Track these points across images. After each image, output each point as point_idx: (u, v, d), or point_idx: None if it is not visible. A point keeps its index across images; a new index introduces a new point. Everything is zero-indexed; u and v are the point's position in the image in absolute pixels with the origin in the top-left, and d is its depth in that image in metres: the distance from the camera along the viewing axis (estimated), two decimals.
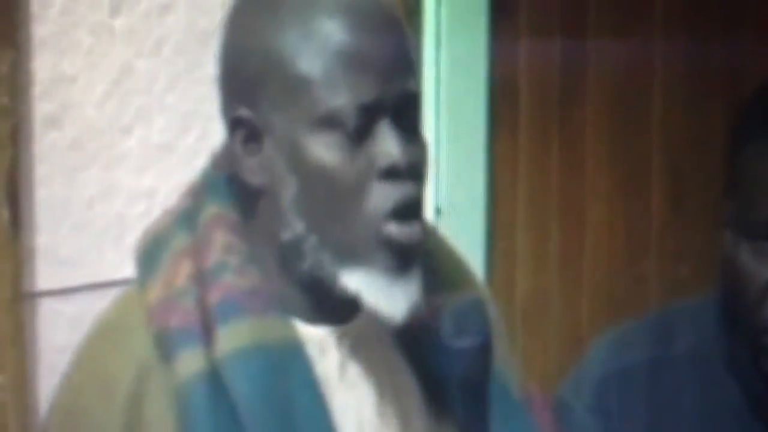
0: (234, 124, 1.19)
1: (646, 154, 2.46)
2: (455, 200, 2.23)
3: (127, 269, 1.28)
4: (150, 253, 1.22)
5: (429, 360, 1.26)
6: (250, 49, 1.18)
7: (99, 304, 1.29)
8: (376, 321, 1.20)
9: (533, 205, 2.37)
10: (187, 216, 1.23)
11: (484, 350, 1.27)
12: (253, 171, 1.18)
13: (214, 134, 1.83)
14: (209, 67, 1.85)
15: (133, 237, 1.74)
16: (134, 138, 1.78)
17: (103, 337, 1.22)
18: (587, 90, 2.40)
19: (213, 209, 1.21)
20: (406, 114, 1.17)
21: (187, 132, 1.82)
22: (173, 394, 1.14)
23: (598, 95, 2.41)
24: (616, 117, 2.43)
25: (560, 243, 2.40)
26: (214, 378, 1.14)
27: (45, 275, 1.70)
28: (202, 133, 1.83)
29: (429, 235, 1.30)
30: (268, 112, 1.16)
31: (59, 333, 1.69)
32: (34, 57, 1.68)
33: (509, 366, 1.33)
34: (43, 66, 1.69)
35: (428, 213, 2.17)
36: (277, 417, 1.14)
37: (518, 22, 2.34)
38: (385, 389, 1.24)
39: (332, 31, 1.15)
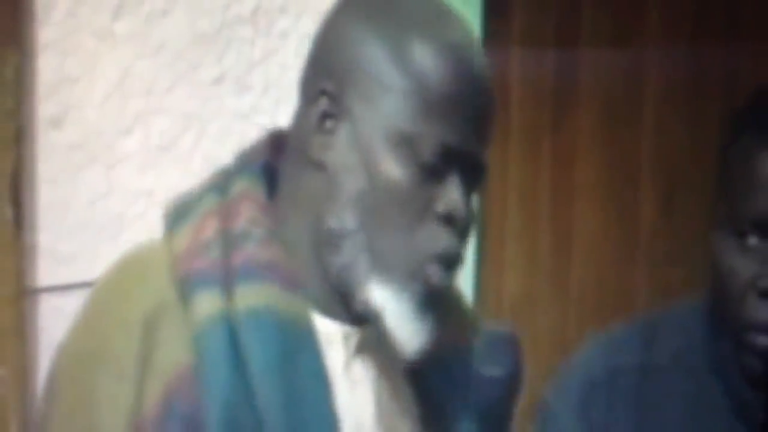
0: (318, 94, 1.21)
1: (637, 161, 2.47)
2: None
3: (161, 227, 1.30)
4: (179, 212, 1.25)
5: (435, 384, 1.28)
6: (357, 38, 1.20)
7: None
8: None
9: (523, 211, 2.38)
10: (217, 186, 1.26)
11: (509, 384, 1.29)
12: (320, 146, 1.20)
13: (211, 136, 1.88)
14: (208, 70, 1.89)
15: (131, 236, 1.78)
16: (134, 139, 1.79)
17: (126, 271, 1.24)
18: (579, 99, 2.41)
19: (244, 185, 1.24)
20: (470, 179, 1.20)
21: (185, 133, 1.84)
22: (190, 330, 1.16)
23: (589, 104, 2.42)
24: (608, 125, 2.44)
25: (549, 250, 2.41)
26: (230, 327, 1.16)
27: (46, 272, 1.71)
28: (200, 135, 1.85)
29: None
30: (352, 100, 1.19)
31: (59, 328, 1.63)
32: (38, 59, 1.69)
33: None
34: (46, 68, 1.70)
35: None
36: (284, 384, 1.16)
37: (511, 30, 2.35)
38: (384, 397, 1.26)
39: (442, 68, 1.17)
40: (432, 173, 1.17)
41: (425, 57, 1.18)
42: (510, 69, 2.35)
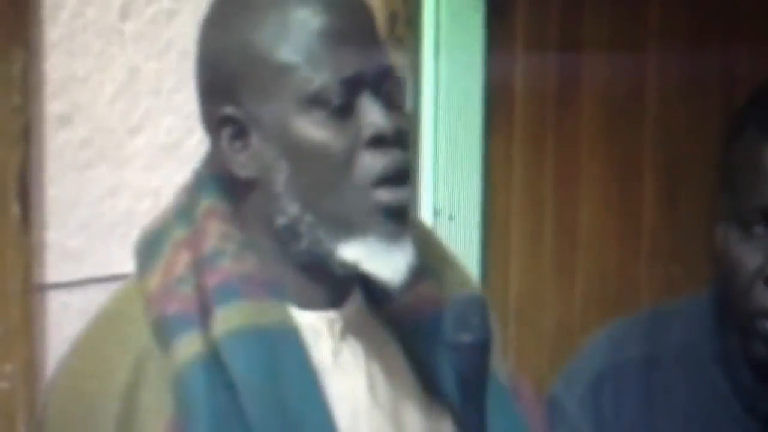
0: (220, 122, 1.20)
1: (639, 158, 2.49)
2: (452, 203, 2.27)
3: (133, 264, 1.31)
4: (149, 247, 1.24)
5: (423, 349, 1.28)
6: (228, 47, 1.20)
7: (105, 297, 1.32)
8: (367, 304, 1.23)
9: (527, 207, 2.40)
10: (183, 211, 1.25)
11: (484, 347, 1.25)
12: (242, 165, 1.20)
13: None
14: None
15: (138, 233, 1.79)
16: (142, 138, 1.81)
17: (102, 325, 1.24)
18: (581, 98, 2.43)
19: (207, 203, 1.24)
20: (384, 87, 1.20)
21: (192, 132, 1.84)
22: (171, 378, 1.15)
23: (591, 103, 2.44)
24: (611, 123, 2.46)
25: (554, 244, 2.42)
26: (213, 359, 1.16)
27: (54, 269, 1.73)
28: None
29: (425, 235, 1.33)
30: (253, 106, 1.18)
31: (67, 324, 1.71)
32: (46, 58, 1.71)
33: (499, 356, 1.34)
34: (54, 67, 1.72)
35: (427, 215, 2.21)
36: (274, 396, 1.16)
37: (514, 32, 2.37)
38: (378, 374, 1.25)
39: (307, 18, 1.18)
40: (346, 108, 1.18)
41: (298, 19, 1.18)
42: (514, 69, 2.37)
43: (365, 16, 1.23)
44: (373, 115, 1.18)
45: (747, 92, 1.56)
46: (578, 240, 2.45)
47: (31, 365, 1.70)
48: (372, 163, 1.18)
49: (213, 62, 1.22)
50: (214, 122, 1.21)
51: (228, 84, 1.20)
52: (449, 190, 2.26)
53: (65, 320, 1.73)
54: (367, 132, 1.18)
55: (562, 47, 2.41)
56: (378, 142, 1.18)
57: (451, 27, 2.28)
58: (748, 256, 1.45)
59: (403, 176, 1.20)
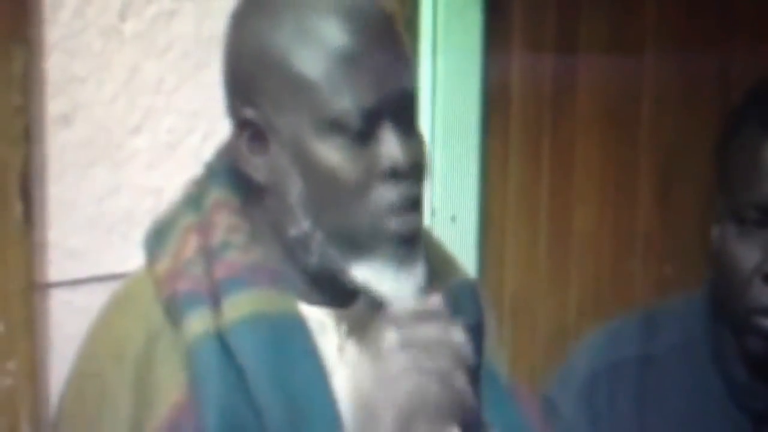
0: (240, 124, 1.22)
1: (634, 159, 2.50)
2: (449, 203, 2.28)
3: (134, 262, 1.33)
4: (158, 235, 1.27)
5: None
6: (252, 51, 1.21)
7: (107, 295, 1.34)
8: (374, 306, 1.23)
9: (523, 207, 2.41)
10: (193, 200, 1.27)
11: (478, 330, 1.30)
12: (258, 169, 1.21)
13: (219, 134, 1.89)
14: (215, 69, 1.90)
15: (140, 232, 1.79)
16: (142, 137, 1.81)
17: (114, 308, 1.27)
18: (578, 99, 2.45)
19: (217, 194, 1.26)
20: (404, 112, 1.20)
21: (192, 132, 1.86)
22: (183, 353, 1.18)
23: (588, 104, 2.45)
24: (606, 123, 2.47)
25: (549, 244, 2.43)
26: (222, 341, 1.18)
27: (56, 267, 1.73)
28: (207, 133, 1.87)
29: (426, 236, 1.32)
30: (271, 113, 1.19)
31: (69, 322, 1.73)
32: (47, 58, 1.71)
33: (497, 354, 1.37)
34: (55, 67, 1.72)
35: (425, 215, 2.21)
36: (282, 383, 1.17)
37: (512, 34, 2.38)
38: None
39: (331, 33, 1.17)
40: (365, 136, 1.17)
41: (321, 33, 1.17)
42: (510, 70, 2.38)
43: (391, 31, 1.20)
44: (391, 146, 1.18)
45: (742, 94, 1.57)
46: (573, 240, 2.46)
47: (33, 362, 1.70)
48: (386, 194, 1.18)
49: (235, 62, 1.24)
50: (236, 121, 1.24)
51: (248, 86, 1.21)
52: (446, 191, 2.27)
53: (67, 318, 1.74)
54: (384, 164, 1.18)
55: (560, 49, 2.43)
56: (394, 175, 1.18)
57: (449, 28, 2.29)
58: (746, 253, 1.46)
59: (415, 206, 1.20)
